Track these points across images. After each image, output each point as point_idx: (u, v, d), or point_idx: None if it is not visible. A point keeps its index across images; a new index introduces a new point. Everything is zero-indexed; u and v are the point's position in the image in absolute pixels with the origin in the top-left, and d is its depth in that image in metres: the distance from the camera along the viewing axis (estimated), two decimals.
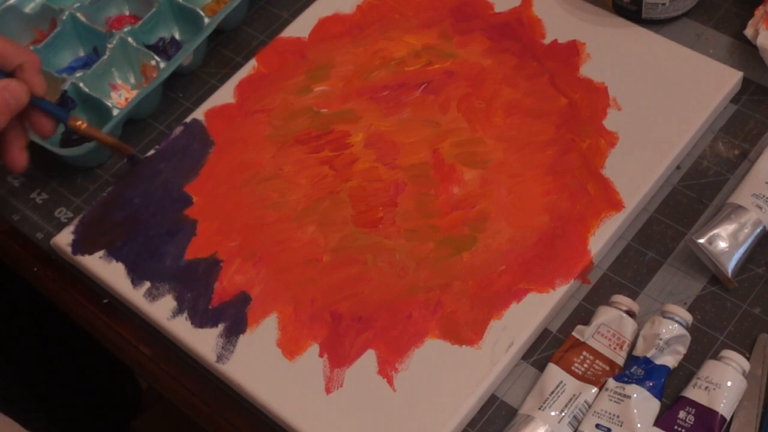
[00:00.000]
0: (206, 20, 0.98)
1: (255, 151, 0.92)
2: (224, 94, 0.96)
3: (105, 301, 0.87)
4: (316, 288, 0.83)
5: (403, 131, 0.91)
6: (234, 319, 0.82)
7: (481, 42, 0.96)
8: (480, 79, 0.94)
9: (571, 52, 0.94)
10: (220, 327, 0.82)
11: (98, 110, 0.94)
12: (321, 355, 0.79)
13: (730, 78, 0.90)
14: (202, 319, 0.82)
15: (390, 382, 0.78)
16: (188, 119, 0.95)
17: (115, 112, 0.93)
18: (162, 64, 0.96)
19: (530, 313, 0.80)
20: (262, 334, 0.81)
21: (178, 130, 0.94)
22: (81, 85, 0.94)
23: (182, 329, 0.82)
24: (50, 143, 0.92)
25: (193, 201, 0.90)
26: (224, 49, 1.02)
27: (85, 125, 0.88)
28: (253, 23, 1.04)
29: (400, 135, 0.91)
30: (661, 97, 0.90)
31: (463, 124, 0.91)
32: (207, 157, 0.92)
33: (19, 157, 0.86)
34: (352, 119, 0.93)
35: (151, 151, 0.93)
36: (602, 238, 0.83)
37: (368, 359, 0.79)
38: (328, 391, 0.78)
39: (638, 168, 0.86)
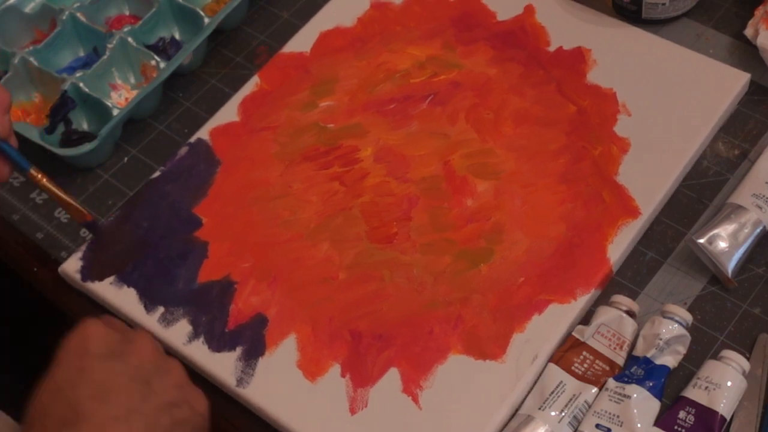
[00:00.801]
0: (206, 20, 0.98)
1: (262, 169, 0.91)
2: (228, 113, 0.95)
3: None
4: (334, 306, 0.82)
5: (412, 144, 0.91)
6: (252, 341, 0.81)
7: (486, 51, 0.95)
8: (487, 89, 0.93)
9: (577, 58, 0.93)
10: (238, 350, 0.80)
11: (98, 110, 0.94)
12: (343, 375, 0.78)
13: (738, 80, 0.90)
14: (219, 342, 0.81)
15: (415, 400, 0.77)
16: (192, 139, 0.93)
17: (115, 112, 0.93)
18: (162, 64, 0.96)
19: (553, 325, 0.79)
20: (282, 356, 0.80)
21: (183, 150, 0.93)
22: (81, 85, 0.94)
23: (199, 354, 0.81)
24: (50, 143, 0.92)
25: (203, 222, 0.88)
26: (224, 49, 1.02)
27: (44, 180, 0.82)
28: (253, 23, 1.04)
29: (410, 148, 0.90)
30: (671, 101, 0.89)
31: (472, 135, 0.90)
32: (214, 176, 0.91)
33: None
34: (359, 134, 0.92)
35: (157, 173, 0.92)
36: (620, 246, 0.82)
37: (391, 378, 0.78)
38: (353, 411, 0.77)
39: (652, 174, 0.85)
